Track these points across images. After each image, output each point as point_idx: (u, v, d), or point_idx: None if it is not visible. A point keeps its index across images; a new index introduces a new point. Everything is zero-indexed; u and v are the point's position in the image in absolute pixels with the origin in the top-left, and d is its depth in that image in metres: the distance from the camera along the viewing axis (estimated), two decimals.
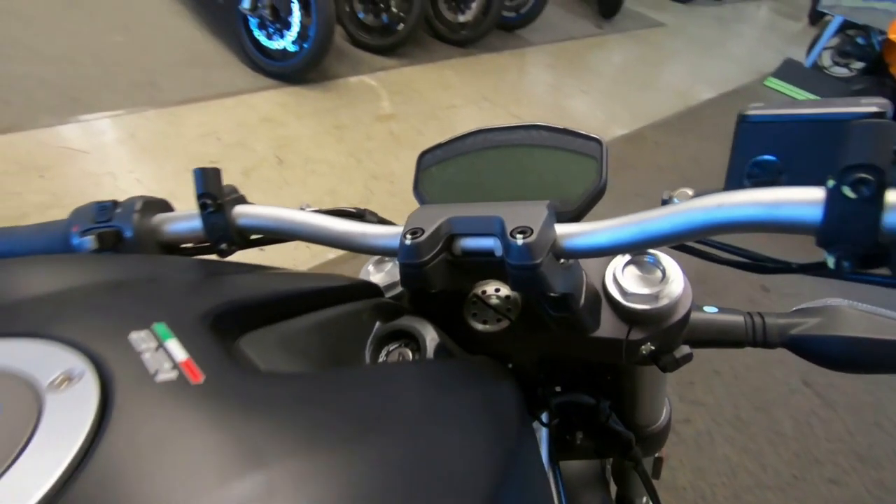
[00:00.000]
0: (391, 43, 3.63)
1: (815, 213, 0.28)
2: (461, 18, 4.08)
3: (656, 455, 0.76)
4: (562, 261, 0.37)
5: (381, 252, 0.41)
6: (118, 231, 0.46)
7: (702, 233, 0.32)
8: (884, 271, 0.30)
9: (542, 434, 0.53)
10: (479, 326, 0.46)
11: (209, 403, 0.23)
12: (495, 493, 0.27)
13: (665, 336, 0.44)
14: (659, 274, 0.44)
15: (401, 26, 3.57)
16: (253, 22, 2.96)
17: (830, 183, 0.28)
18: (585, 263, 0.45)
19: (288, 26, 2.89)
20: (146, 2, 3.51)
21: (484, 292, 0.48)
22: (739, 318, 0.47)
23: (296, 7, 2.83)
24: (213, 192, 0.46)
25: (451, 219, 0.38)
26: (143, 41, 3.05)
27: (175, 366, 0.25)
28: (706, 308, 0.48)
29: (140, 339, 0.26)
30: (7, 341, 0.25)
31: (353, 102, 3.07)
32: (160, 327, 0.27)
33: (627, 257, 0.45)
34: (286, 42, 2.93)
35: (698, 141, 3.70)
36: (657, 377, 0.58)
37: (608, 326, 0.43)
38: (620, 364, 0.54)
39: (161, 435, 0.21)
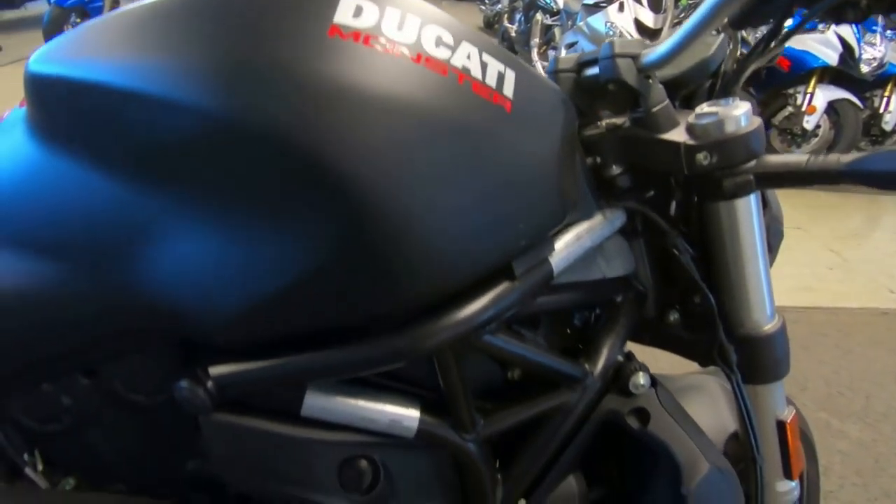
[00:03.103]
0: None
1: None
2: (796, 152, 3.61)
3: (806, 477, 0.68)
4: (650, 80, 0.53)
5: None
6: None
7: (717, 12, 0.46)
8: None
9: (618, 214, 0.57)
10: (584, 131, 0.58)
11: None
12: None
13: (724, 151, 0.51)
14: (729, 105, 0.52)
15: None
16: None
17: None
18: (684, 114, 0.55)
19: None
20: None
21: (600, 120, 0.59)
22: (803, 157, 0.51)
23: None
24: None
25: (582, 53, 0.58)
26: None
27: None
28: None
29: None
30: None
31: None
32: None
33: (710, 101, 0.54)
34: None
35: None
36: (743, 240, 0.56)
37: (675, 136, 0.53)
38: (697, 197, 0.58)
39: None
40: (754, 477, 0.62)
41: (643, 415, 0.58)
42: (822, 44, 3.59)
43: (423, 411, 0.52)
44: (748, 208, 0.55)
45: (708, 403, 0.73)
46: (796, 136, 3.84)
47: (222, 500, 0.57)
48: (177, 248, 0.43)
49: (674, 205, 0.61)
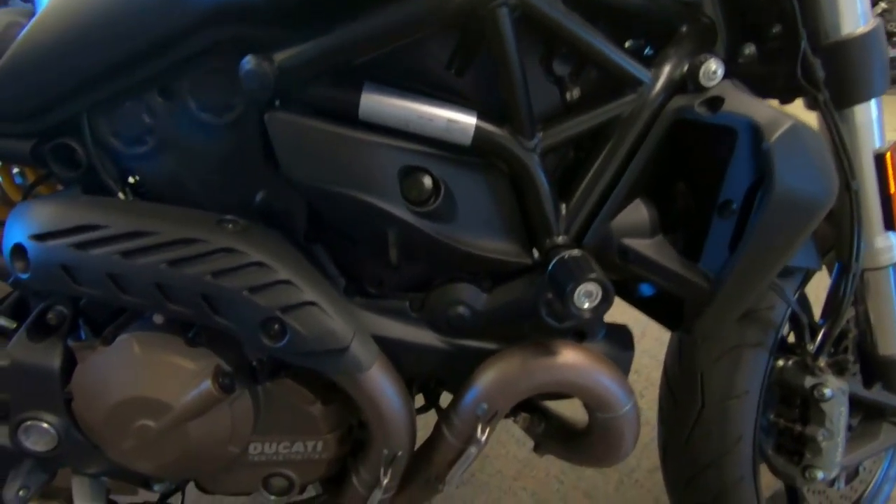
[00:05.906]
0: None
1: None
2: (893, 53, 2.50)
3: None
4: None
5: None
6: None
7: None
8: None
9: None
10: None
11: None
12: None
13: None
14: None
15: None
16: None
17: None
18: None
19: None
20: None
21: None
22: None
23: None
24: None
25: None
26: None
27: None
28: None
29: None
30: None
31: None
32: None
33: None
34: None
35: None
36: None
37: None
38: None
39: None
40: (851, 208, 0.55)
41: (716, 101, 0.51)
42: None
43: (480, 118, 0.51)
44: None
45: None
46: None
47: (291, 229, 0.60)
48: None
49: None
